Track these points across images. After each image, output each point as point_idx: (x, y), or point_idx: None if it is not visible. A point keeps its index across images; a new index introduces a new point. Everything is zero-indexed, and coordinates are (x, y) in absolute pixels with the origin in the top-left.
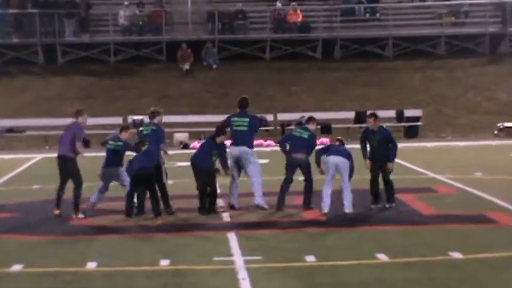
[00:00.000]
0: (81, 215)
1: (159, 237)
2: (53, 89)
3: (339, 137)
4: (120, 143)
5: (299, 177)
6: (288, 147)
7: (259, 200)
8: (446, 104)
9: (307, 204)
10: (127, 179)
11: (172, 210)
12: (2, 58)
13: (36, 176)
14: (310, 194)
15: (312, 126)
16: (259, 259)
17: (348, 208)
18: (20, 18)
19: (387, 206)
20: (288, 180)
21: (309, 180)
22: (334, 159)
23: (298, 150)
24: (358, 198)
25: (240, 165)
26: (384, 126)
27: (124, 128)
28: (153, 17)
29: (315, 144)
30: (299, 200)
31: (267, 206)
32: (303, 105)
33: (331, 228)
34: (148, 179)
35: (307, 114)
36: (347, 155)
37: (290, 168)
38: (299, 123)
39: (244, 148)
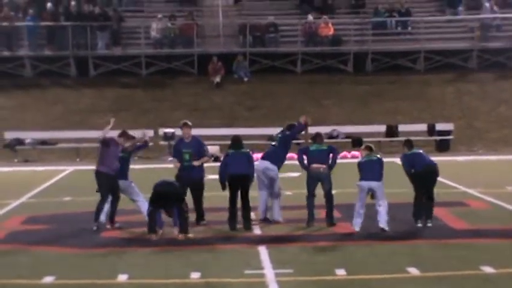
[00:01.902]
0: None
1: (190, 250)
2: (85, 101)
3: (368, 145)
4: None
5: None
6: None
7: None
8: (477, 117)
9: (330, 220)
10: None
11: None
12: (35, 70)
13: (67, 188)
14: (331, 209)
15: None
16: (290, 272)
17: (383, 224)
18: (53, 30)
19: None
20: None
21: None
22: (367, 184)
23: (317, 162)
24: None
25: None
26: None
27: (123, 133)
28: (185, 30)
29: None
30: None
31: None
32: (334, 119)
33: (362, 242)
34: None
35: (338, 128)
36: (381, 175)
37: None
38: (313, 138)
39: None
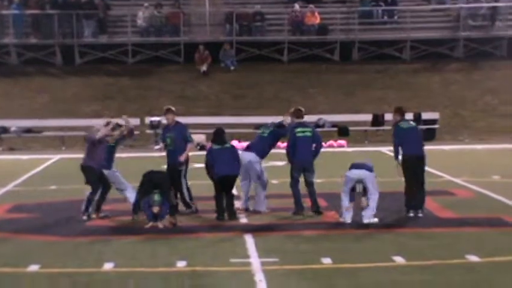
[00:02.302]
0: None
1: (176, 239)
2: (71, 90)
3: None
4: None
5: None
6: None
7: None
8: (464, 106)
9: (317, 208)
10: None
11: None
12: (20, 59)
13: (53, 176)
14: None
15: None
16: (276, 261)
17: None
18: (39, 19)
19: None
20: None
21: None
22: (356, 173)
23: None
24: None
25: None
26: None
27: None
28: (171, 18)
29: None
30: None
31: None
32: (320, 108)
33: (347, 231)
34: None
35: (324, 117)
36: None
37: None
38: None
39: None
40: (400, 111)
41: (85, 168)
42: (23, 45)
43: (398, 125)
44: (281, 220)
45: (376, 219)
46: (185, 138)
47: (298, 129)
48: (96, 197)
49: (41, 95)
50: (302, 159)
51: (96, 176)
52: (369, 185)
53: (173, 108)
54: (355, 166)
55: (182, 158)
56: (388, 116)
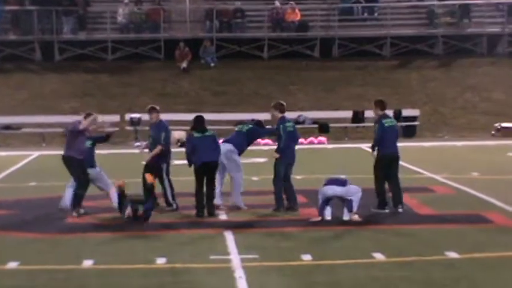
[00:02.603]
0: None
1: (155, 235)
2: (50, 86)
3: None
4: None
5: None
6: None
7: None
8: (443, 103)
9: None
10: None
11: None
12: None
13: (32, 173)
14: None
15: None
16: (256, 258)
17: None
18: (18, 15)
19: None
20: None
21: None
22: (331, 190)
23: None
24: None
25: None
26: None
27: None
28: (151, 15)
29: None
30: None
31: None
32: (301, 104)
33: (327, 228)
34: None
35: (304, 113)
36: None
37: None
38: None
39: None
40: (381, 105)
41: (66, 159)
42: (2, 42)
43: (382, 122)
44: (261, 217)
45: (356, 216)
46: (158, 139)
47: (288, 124)
48: (84, 192)
49: (20, 91)
50: (292, 154)
51: (80, 168)
52: (347, 198)
53: (157, 107)
54: (330, 182)
55: (146, 161)
56: (368, 113)
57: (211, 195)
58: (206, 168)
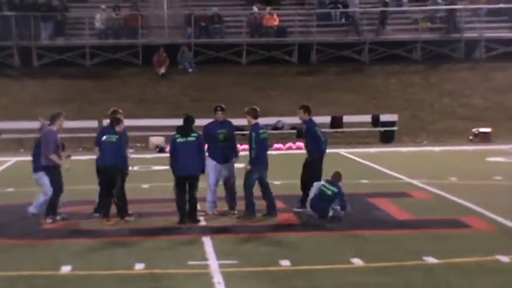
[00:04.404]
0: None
1: (134, 241)
2: (28, 92)
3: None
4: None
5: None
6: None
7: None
8: (422, 109)
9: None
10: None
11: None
12: None
13: (10, 179)
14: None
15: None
16: (235, 263)
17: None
18: None
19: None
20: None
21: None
22: (331, 189)
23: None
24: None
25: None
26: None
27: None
28: (129, 21)
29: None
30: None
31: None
32: (279, 110)
33: (306, 233)
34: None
35: (283, 119)
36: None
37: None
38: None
39: None
40: (309, 110)
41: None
42: None
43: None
44: (240, 222)
45: (342, 212)
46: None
47: (261, 131)
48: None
49: None
50: (264, 162)
51: (54, 175)
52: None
53: (120, 110)
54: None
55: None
56: (347, 118)
57: (194, 204)
58: (186, 181)
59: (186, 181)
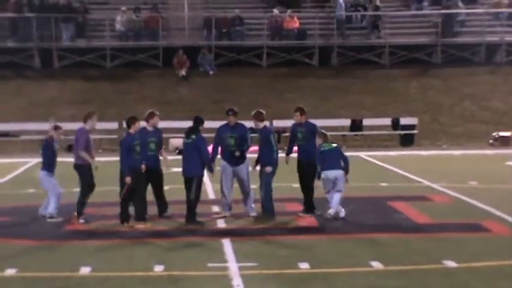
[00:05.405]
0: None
1: (153, 243)
2: (48, 94)
3: (322, 132)
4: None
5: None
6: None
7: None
8: (442, 112)
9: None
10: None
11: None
12: None
13: (31, 180)
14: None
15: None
16: (254, 265)
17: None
18: (17, 22)
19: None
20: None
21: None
22: (333, 174)
23: None
24: (353, 205)
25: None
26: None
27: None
28: (150, 23)
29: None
30: (292, 206)
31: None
32: None
33: (325, 236)
34: None
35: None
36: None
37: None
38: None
39: None
40: (304, 112)
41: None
42: (1, 49)
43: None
44: (259, 224)
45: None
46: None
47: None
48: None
49: (19, 98)
50: (276, 162)
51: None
52: (340, 183)
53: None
54: (329, 167)
55: None
56: (367, 121)
57: (187, 205)
58: (185, 181)
59: (185, 181)
